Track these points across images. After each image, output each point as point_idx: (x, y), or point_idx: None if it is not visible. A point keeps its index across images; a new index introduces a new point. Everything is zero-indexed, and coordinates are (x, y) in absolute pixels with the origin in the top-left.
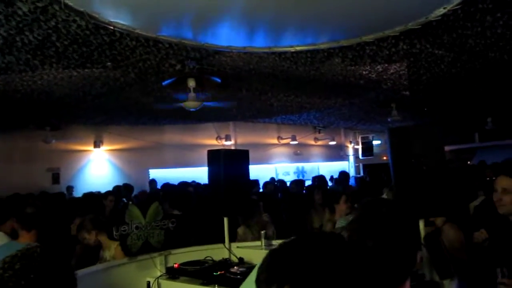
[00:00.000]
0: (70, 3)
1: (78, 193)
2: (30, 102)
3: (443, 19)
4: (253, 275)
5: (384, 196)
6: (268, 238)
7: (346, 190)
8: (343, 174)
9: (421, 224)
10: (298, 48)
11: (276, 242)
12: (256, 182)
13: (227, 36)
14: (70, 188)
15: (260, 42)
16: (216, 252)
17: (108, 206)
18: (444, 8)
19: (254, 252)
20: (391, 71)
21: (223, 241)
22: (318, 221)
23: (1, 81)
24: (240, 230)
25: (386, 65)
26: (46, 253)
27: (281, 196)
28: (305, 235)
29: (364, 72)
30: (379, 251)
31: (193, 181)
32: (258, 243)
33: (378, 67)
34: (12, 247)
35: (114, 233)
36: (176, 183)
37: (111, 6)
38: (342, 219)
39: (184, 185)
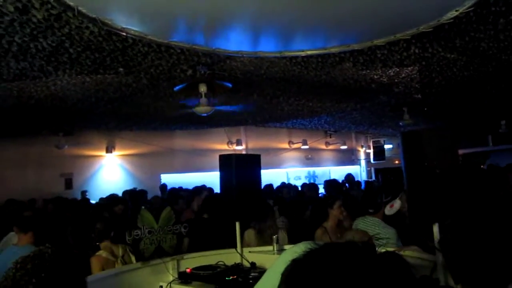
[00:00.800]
0: (84, 10)
1: (91, 198)
2: (44, 108)
3: (455, 22)
4: (264, 278)
5: (398, 200)
6: (279, 242)
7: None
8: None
9: (435, 228)
10: (309, 52)
11: (287, 247)
12: (270, 186)
13: (238, 41)
14: (84, 193)
15: (271, 47)
16: (228, 256)
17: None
18: (457, 11)
19: (266, 257)
20: (403, 75)
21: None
22: None
23: (15, 87)
24: (246, 234)
25: (398, 69)
26: (57, 254)
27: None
28: (330, 245)
29: (375, 76)
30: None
31: (203, 185)
32: (270, 247)
33: (390, 71)
34: (10, 252)
35: (127, 237)
36: (189, 187)
37: (123, 12)
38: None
39: (199, 189)
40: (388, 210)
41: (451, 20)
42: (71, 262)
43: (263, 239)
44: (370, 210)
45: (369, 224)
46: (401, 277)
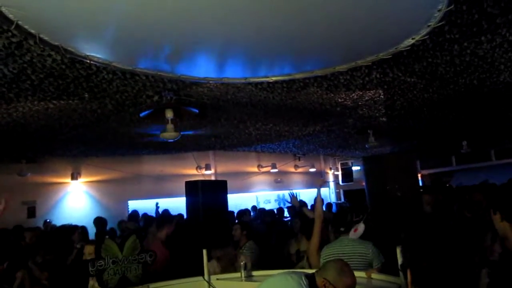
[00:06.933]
0: (45, 38)
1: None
2: (5, 135)
3: (413, 49)
4: None
5: (362, 224)
6: (246, 269)
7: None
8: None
9: (399, 250)
10: (274, 78)
11: (256, 273)
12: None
13: (203, 68)
14: (46, 223)
15: (237, 73)
16: (195, 285)
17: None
18: (413, 39)
19: (234, 284)
20: (366, 98)
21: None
22: (295, 247)
23: None
24: (210, 265)
25: (361, 92)
26: None
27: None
28: None
29: (340, 100)
30: None
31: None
32: (237, 274)
33: (353, 94)
34: None
35: (90, 268)
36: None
37: (86, 40)
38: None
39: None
40: (353, 234)
41: (409, 47)
42: None
43: (221, 268)
44: (341, 229)
45: (345, 244)
46: None
